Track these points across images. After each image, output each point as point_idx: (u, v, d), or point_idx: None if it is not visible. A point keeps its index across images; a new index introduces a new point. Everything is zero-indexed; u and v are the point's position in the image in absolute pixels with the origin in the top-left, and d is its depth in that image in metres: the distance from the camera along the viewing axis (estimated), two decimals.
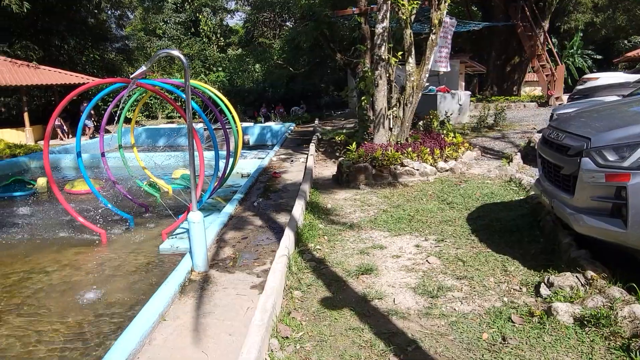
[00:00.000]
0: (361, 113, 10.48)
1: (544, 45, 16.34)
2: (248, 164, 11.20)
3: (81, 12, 26.26)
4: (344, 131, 11.37)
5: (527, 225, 4.83)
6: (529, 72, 19.75)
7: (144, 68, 4.09)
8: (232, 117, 8.11)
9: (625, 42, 38.80)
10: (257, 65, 27.67)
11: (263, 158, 11.22)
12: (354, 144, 7.98)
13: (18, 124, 20.14)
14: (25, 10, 18.67)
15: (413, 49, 7.79)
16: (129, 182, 8.88)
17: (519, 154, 8.06)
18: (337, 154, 10.63)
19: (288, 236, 4.61)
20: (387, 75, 7.97)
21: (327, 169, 9.31)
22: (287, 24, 22.16)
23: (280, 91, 28.85)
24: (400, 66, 8.15)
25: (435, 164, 7.57)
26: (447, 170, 7.59)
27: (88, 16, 27.17)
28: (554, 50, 16.19)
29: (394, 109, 8.12)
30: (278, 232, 5.62)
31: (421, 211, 5.76)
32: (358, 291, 3.82)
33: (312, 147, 11.06)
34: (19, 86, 18.92)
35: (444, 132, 9.10)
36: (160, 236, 6.25)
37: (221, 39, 40.35)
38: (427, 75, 7.92)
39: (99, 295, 4.69)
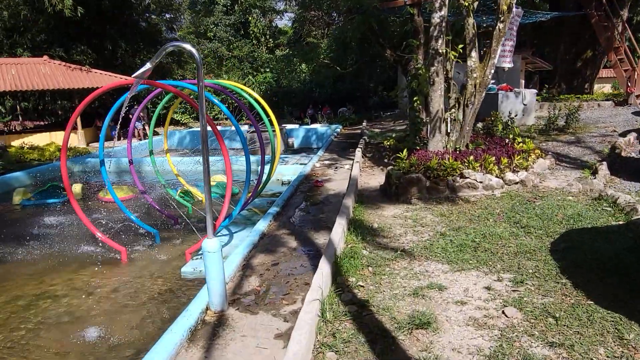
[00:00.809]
0: (412, 115, 9.44)
1: (623, 37, 14.47)
2: (289, 170, 10.45)
3: (132, 16, 26.73)
4: (393, 135, 10.37)
5: (638, 263, 3.68)
6: (602, 68, 17.70)
7: (148, 65, 3.36)
8: (269, 120, 7.37)
9: None
10: (304, 65, 26.98)
11: (305, 164, 10.43)
12: (404, 151, 7.00)
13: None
14: (79, 15, 19.02)
15: (476, 41, 6.70)
16: (162, 191, 8.35)
17: (604, 163, 6.75)
18: (386, 160, 9.65)
19: (322, 272, 3.73)
20: (445, 72, 6.91)
21: (374, 178, 8.36)
22: (335, 21, 21.32)
23: (327, 91, 28.02)
24: (460, 62, 7.07)
25: (502, 175, 6.44)
26: (516, 183, 6.44)
27: (139, 20, 27.66)
28: (634, 43, 14.24)
29: (452, 110, 7.06)
30: (315, 257, 4.77)
31: (489, 237, 4.71)
32: (411, 354, 2.88)
33: (358, 153, 10.13)
34: (72, 89, 19.31)
35: (510, 136, 7.90)
36: (184, 255, 5.59)
37: (270, 40, 40.28)
38: (492, 71, 6.80)
39: (104, 334, 4.02)
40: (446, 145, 7.03)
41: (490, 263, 4.10)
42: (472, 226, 5.11)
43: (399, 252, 4.55)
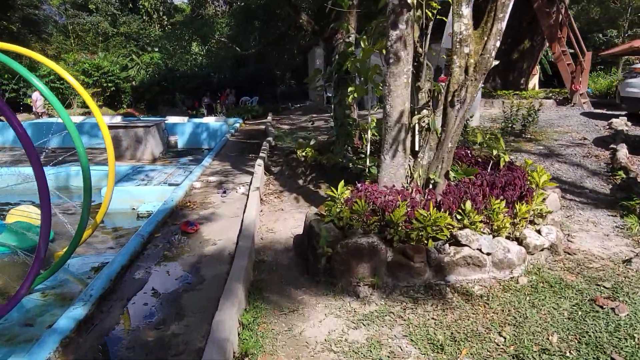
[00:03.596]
0: (342, 113, 6.31)
1: (565, 25, 12.70)
2: (153, 193, 6.76)
3: None
4: (312, 141, 7.20)
5: None
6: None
7: None
8: (58, 105, 3.73)
9: (600, 35, 37.06)
10: (195, 45, 22.54)
11: (178, 184, 6.80)
12: (340, 187, 3.78)
13: None
14: None
15: None
16: None
17: None
18: (301, 181, 6.42)
19: None
20: (413, 44, 3.82)
21: (284, 218, 5.08)
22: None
23: (226, 76, 23.85)
24: (443, 19, 3.98)
25: (518, 234, 3.52)
26: (542, 250, 3.55)
27: None
28: (578, 34, 12.47)
29: (424, 112, 4.01)
30: None
31: None
32: None
33: (258, 169, 6.75)
34: None
35: (493, 152, 5.08)
36: None
37: (164, 17, 35.26)
38: (496, 44, 3.86)
39: None
40: (412, 174, 3.95)
41: None
42: None
43: None
